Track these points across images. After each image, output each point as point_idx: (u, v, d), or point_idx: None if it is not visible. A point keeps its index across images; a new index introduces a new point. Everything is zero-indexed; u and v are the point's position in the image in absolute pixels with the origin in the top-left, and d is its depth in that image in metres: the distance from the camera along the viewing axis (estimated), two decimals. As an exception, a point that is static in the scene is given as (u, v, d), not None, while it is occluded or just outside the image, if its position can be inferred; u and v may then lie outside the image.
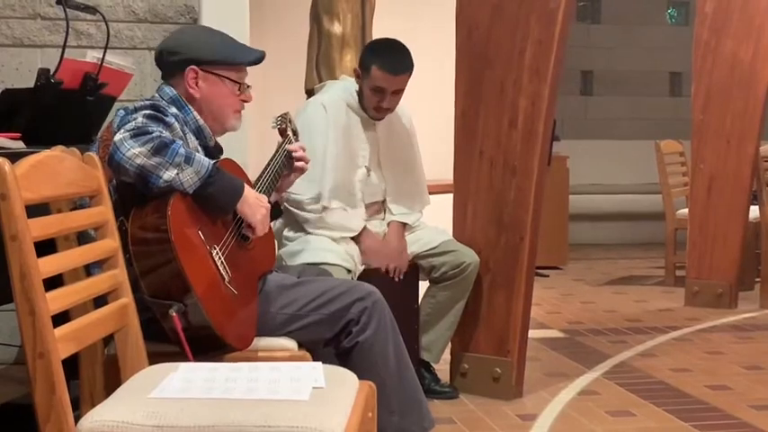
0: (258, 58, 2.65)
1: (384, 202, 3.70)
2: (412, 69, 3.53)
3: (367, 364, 2.53)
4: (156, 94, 2.61)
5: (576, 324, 5.29)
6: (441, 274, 3.67)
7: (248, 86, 2.66)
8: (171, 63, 2.57)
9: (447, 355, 3.84)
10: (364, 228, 3.52)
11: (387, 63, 3.46)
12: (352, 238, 3.50)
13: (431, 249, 3.68)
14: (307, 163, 2.84)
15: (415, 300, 3.71)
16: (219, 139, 2.69)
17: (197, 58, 2.55)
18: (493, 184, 3.71)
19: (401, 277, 3.57)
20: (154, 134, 2.26)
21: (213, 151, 2.62)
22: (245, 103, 2.66)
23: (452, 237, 3.78)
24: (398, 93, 3.53)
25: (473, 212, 3.78)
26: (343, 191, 3.51)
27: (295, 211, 3.45)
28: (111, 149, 2.26)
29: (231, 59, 2.60)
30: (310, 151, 3.29)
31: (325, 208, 3.44)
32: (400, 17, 4.74)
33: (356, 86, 3.58)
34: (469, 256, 3.66)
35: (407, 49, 3.54)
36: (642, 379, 4.06)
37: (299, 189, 3.36)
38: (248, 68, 2.68)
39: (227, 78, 2.59)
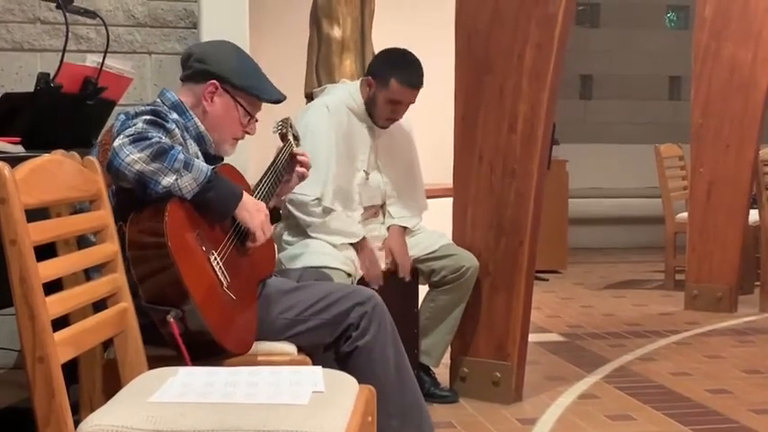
0: (278, 99, 2.67)
1: (383, 205, 3.70)
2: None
3: (367, 369, 2.53)
4: (158, 99, 2.61)
5: (575, 328, 5.29)
6: (440, 278, 3.67)
7: (256, 120, 2.66)
8: (196, 69, 2.58)
9: (447, 359, 3.83)
10: (364, 238, 3.52)
11: (406, 77, 3.50)
12: (352, 245, 3.50)
13: (430, 253, 3.68)
14: (308, 169, 2.84)
15: (414, 304, 3.71)
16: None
17: (222, 75, 2.57)
18: (492, 187, 3.71)
19: (410, 276, 3.58)
20: (153, 140, 2.26)
21: (213, 158, 2.61)
22: (247, 135, 2.68)
23: (452, 241, 3.78)
24: (409, 105, 3.56)
25: (473, 216, 3.78)
26: (343, 194, 3.51)
27: (298, 213, 3.45)
28: (110, 155, 2.25)
29: (251, 90, 2.60)
30: (314, 153, 3.31)
31: (326, 209, 3.44)
32: (400, 21, 4.74)
33: (358, 90, 3.59)
34: (469, 259, 3.67)
35: (420, 62, 3.57)
36: (642, 383, 4.06)
37: (304, 190, 3.36)
38: None
39: (242, 106, 2.60)
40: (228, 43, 2.71)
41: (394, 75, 3.49)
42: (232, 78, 2.57)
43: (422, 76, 3.54)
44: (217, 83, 2.56)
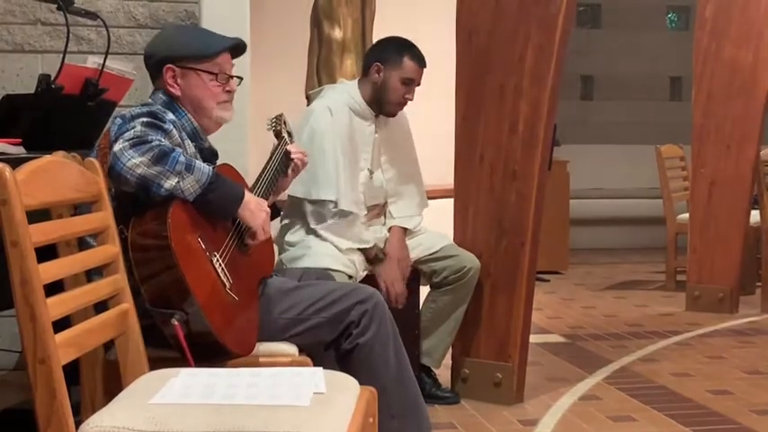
0: (233, 45, 2.63)
1: (385, 204, 3.70)
2: None
3: (367, 367, 2.53)
4: (150, 99, 2.60)
5: (576, 329, 5.29)
6: (441, 279, 3.67)
7: (231, 77, 2.63)
8: (151, 66, 2.60)
9: (448, 360, 3.83)
10: (387, 257, 3.53)
11: (417, 55, 3.59)
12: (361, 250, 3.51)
13: (432, 254, 3.68)
14: (304, 165, 2.84)
15: (415, 305, 3.71)
16: (220, 144, 2.69)
17: (170, 56, 2.56)
18: (493, 188, 3.71)
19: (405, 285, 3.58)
20: (153, 143, 2.26)
21: (208, 154, 2.61)
22: (232, 93, 2.63)
23: (453, 241, 3.78)
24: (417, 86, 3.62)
25: (474, 217, 3.78)
26: (355, 194, 3.52)
27: (316, 210, 3.44)
28: (111, 160, 2.25)
29: (201, 52, 2.58)
30: (323, 157, 3.32)
31: (343, 213, 3.43)
32: (400, 22, 4.74)
33: (357, 89, 3.59)
34: (470, 260, 3.66)
35: None
36: (643, 384, 4.06)
37: (321, 195, 3.37)
38: (249, 70, 2.68)
39: (202, 71, 2.58)
40: (169, 26, 2.70)
41: (406, 54, 3.56)
42: (178, 53, 2.56)
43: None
44: (171, 65, 2.55)
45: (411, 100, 3.61)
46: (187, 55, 2.57)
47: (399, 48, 3.59)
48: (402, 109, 3.64)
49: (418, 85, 3.61)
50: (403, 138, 3.76)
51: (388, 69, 3.55)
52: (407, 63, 3.55)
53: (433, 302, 3.71)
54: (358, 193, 3.56)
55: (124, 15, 3.90)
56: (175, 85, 2.56)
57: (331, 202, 3.42)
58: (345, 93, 3.61)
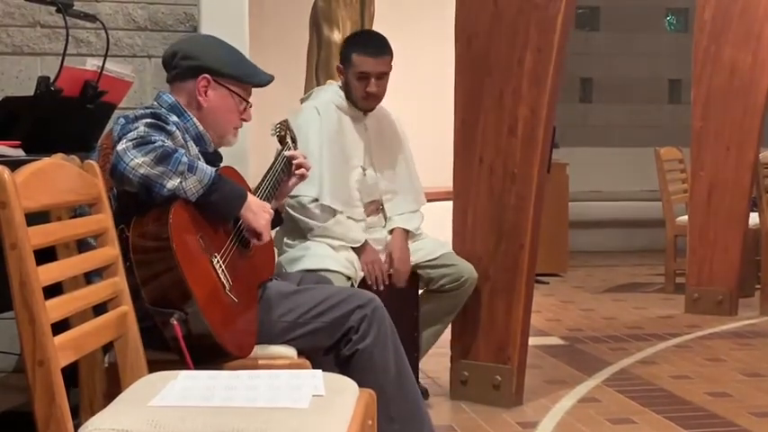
0: (268, 81, 2.68)
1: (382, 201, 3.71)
2: (391, 53, 3.59)
3: (367, 372, 2.52)
4: (155, 102, 2.61)
5: (576, 331, 5.29)
6: (438, 287, 3.66)
7: (250, 106, 2.67)
8: (184, 67, 2.58)
9: (447, 363, 3.83)
10: (365, 242, 3.52)
11: (365, 48, 3.55)
12: (353, 249, 3.50)
13: (431, 260, 3.66)
14: (308, 170, 2.85)
15: (415, 308, 3.70)
16: (220, 148, 2.70)
17: (212, 68, 2.57)
18: (493, 191, 3.71)
19: (405, 285, 3.57)
20: (156, 143, 2.27)
21: (212, 158, 2.62)
22: (244, 121, 2.68)
23: (453, 246, 3.77)
24: (383, 77, 3.57)
25: (473, 220, 3.78)
26: (341, 192, 3.52)
27: (299, 216, 3.46)
28: (114, 160, 2.26)
29: (245, 77, 2.62)
30: (307, 154, 3.32)
31: (326, 208, 3.44)
32: (399, 25, 4.75)
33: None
34: (468, 271, 3.65)
35: (383, 36, 3.62)
36: (642, 386, 4.06)
37: (300, 191, 3.38)
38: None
39: (237, 94, 2.61)
40: (210, 36, 2.72)
41: (353, 50, 3.56)
42: (222, 69, 2.58)
43: (383, 45, 3.58)
44: (209, 76, 2.56)
45: (375, 93, 3.55)
46: (233, 74, 2.59)
47: (348, 46, 3.61)
48: (376, 102, 3.60)
49: (384, 74, 3.54)
50: (394, 134, 3.75)
51: (346, 69, 3.58)
52: (356, 59, 3.53)
53: (426, 303, 3.70)
54: (349, 191, 3.56)
55: (123, 18, 3.91)
56: (204, 96, 2.57)
57: (312, 199, 3.42)
58: (333, 93, 3.63)
